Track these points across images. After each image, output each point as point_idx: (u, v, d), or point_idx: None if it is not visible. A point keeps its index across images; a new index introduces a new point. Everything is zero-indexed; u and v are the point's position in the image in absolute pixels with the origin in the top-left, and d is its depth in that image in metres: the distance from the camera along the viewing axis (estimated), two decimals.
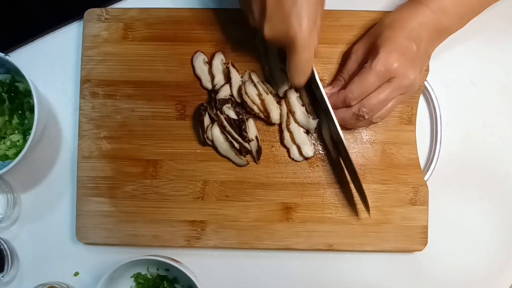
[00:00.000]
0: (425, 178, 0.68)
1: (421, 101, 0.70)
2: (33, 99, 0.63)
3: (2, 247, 0.68)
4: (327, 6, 0.70)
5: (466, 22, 0.64)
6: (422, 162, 0.70)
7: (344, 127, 0.65)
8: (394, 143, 0.68)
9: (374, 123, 0.64)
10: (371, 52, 0.61)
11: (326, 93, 0.63)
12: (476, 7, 0.63)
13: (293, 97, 0.67)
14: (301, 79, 0.59)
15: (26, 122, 0.69)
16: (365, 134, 0.68)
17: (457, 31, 0.64)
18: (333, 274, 0.70)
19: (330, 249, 0.68)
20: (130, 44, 0.69)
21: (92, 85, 0.69)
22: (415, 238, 0.67)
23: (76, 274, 0.70)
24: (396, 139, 0.68)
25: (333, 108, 0.63)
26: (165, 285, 0.68)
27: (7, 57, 0.64)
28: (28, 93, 0.68)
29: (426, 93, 0.70)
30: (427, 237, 0.67)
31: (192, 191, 0.68)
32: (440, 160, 0.69)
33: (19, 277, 0.70)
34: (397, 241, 0.67)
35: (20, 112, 0.69)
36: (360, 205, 0.67)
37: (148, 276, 0.69)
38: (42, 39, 0.72)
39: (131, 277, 0.69)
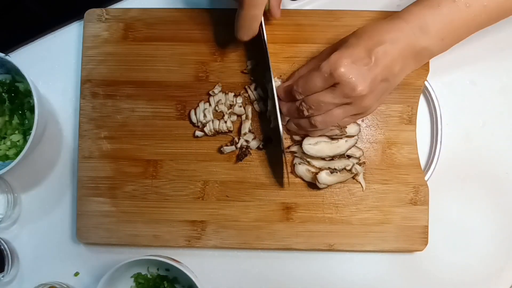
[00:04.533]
0: (426, 178, 0.68)
1: (421, 101, 0.70)
2: (33, 99, 0.63)
3: (2, 247, 0.68)
4: (327, 6, 0.70)
5: (449, 45, 0.60)
6: (423, 162, 0.70)
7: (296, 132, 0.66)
8: (394, 143, 0.68)
9: (316, 127, 0.61)
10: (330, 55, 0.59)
11: (281, 85, 0.63)
12: (461, 31, 0.59)
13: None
14: (243, 35, 0.60)
15: (27, 122, 0.69)
16: (365, 134, 0.68)
17: (440, 53, 0.60)
18: (334, 274, 0.70)
19: (330, 249, 0.68)
20: (130, 44, 0.69)
21: (93, 85, 0.69)
22: (416, 238, 0.67)
23: (76, 274, 0.70)
24: (397, 139, 0.68)
25: (281, 99, 0.63)
26: (165, 285, 0.68)
27: (7, 57, 0.64)
28: (28, 93, 0.68)
29: (426, 93, 0.70)
30: (427, 237, 0.67)
31: (192, 191, 0.68)
32: (441, 160, 0.69)
33: (20, 277, 0.70)
34: (398, 241, 0.67)
35: (20, 112, 0.69)
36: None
37: (148, 276, 0.69)
38: (43, 39, 0.72)
39: (131, 277, 0.69)
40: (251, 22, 0.59)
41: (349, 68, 0.56)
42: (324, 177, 0.65)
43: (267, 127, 0.68)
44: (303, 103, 0.59)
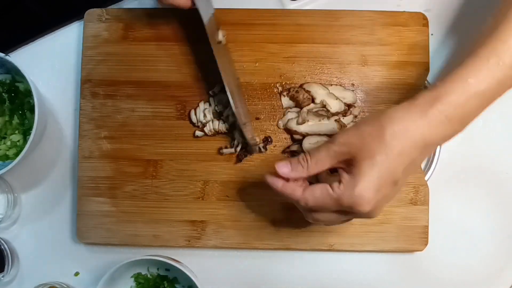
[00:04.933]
0: (426, 178, 0.68)
1: None
2: (33, 99, 0.63)
3: (2, 247, 0.68)
4: (327, 6, 0.70)
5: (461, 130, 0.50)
6: (423, 162, 0.70)
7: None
8: None
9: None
10: (349, 164, 0.50)
11: (279, 166, 0.53)
12: (482, 108, 0.49)
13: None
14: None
15: (27, 122, 0.69)
16: None
17: None
18: (334, 274, 0.69)
19: (330, 249, 0.68)
20: (130, 44, 0.69)
21: (93, 85, 0.69)
22: (416, 238, 0.67)
23: (77, 274, 0.70)
24: None
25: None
26: (166, 285, 0.68)
27: (7, 57, 0.64)
28: (28, 93, 0.68)
29: None
30: (427, 237, 0.67)
31: (193, 191, 0.68)
32: (441, 160, 0.69)
33: (20, 277, 0.70)
34: (398, 241, 0.67)
35: (20, 112, 0.69)
36: None
37: (149, 276, 0.69)
38: (43, 39, 0.72)
39: (131, 277, 0.69)
40: None
41: (372, 204, 0.49)
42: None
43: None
44: (311, 218, 0.54)
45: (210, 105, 0.68)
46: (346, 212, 0.51)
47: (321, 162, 0.51)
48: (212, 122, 0.67)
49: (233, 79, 0.66)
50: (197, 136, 0.68)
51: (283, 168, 0.52)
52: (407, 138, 0.48)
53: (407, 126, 0.48)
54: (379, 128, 0.48)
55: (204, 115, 0.67)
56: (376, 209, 0.50)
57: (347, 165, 0.50)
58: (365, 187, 0.48)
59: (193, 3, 0.59)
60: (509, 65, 0.48)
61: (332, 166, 0.51)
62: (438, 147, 0.68)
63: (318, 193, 0.51)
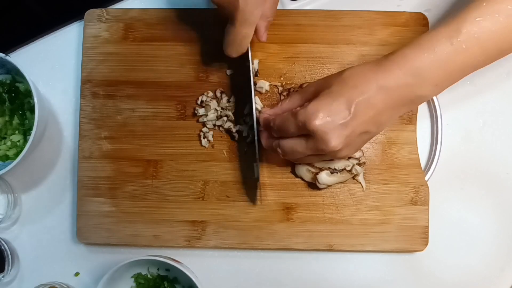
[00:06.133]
0: (426, 178, 0.68)
1: None
2: (33, 100, 0.63)
3: (2, 247, 0.68)
4: (327, 6, 0.70)
5: (442, 90, 0.55)
6: (423, 162, 0.70)
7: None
8: (394, 143, 0.68)
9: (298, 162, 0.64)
10: (311, 99, 0.56)
11: (263, 112, 0.63)
12: (457, 74, 0.54)
13: None
14: (232, 52, 0.60)
15: (27, 122, 0.69)
16: None
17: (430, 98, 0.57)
18: (334, 274, 0.69)
19: (330, 249, 0.68)
20: (130, 45, 0.69)
21: (93, 86, 0.69)
22: (416, 238, 0.67)
23: (77, 274, 0.70)
24: (397, 139, 0.68)
25: (261, 127, 0.63)
26: (166, 285, 0.68)
27: (7, 58, 0.64)
28: (28, 93, 0.68)
29: None
30: (427, 237, 0.67)
31: (193, 191, 0.68)
32: (441, 160, 0.69)
33: (20, 277, 0.70)
34: (398, 241, 0.67)
35: (20, 112, 0.69)
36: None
37: (149, 276, 0.69)
38: (43, 40, 0.72)
39: (132, 277, 0.69)
40: (242, 40, 0.58)
41: (323, 122, 0.53)
42: (324, 177, 0.65)
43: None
44: (278, 147, 0.59)
45: (216, 97, 0.68)
46: (307, 136, 0.55)
47: (293, 99, 0.60)
48: (220, 116, 0.68)
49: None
50: (204, 137, 0.68)
51: (266, 110, 0.63)
52: (361, 75, 0.54)
53: (363, 68, 0.55)
54: (340, 72, 0.56)
55: (207, 105, 0.67)
56: (333, 137, 0.53)
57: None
58: (317, 104, 0.54)
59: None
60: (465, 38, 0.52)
61: (301, 103, 0.59)
62: (438, 147, 0.69)
63: (284, 116, 0.57)
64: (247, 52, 0.62)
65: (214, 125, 0.68)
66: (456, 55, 0.52)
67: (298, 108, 0.56)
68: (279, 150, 0.59)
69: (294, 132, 0.56)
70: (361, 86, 0.53)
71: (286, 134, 0.57)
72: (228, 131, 0.68)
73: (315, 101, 0.54)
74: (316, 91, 0.57)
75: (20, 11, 0.82)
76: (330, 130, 0.53)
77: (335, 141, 0.53)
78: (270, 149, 0.61)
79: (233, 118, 0.68)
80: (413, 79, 0.52)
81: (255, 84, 0.68)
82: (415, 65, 0.52)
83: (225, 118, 0.68)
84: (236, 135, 0.68)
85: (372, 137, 0.58)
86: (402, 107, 0.55)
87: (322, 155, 0.56)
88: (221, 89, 0.69)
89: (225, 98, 0.68)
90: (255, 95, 0.66)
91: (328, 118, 0.53)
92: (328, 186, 0.66)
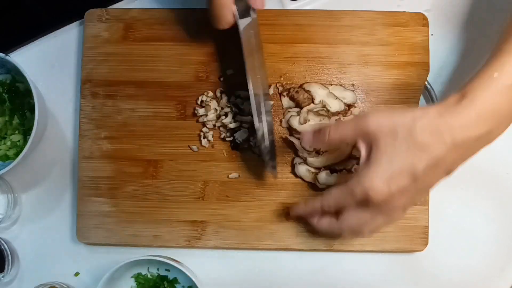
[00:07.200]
0: None
1: (422, 101, 0.70)
2: (33, 99, 0.63)
3: (2, 247, 0.68)
4: (327, 6, 0.70)
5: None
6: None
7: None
8: None
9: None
10: (368, 147, 0.50)
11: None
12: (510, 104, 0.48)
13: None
14: (215, 23, 0.58)
15: (27, 122, 0.69)
16: None
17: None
18: (334, 275, 0.70)
19: (330, 249, 0.68)
20: (130, 45, 0.69)
21: (93, 85, 0.69)
22: (416, 238, 0.67)
23: (77, 274, 0.70)
24: None
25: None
26: (166, 285, 0.68)
27: (7, 57, 0.64)
28: (28, 93, 0.68)
29: (426, 93, 0.70)
30: (427, 237, 0.67)
31: (193, 191, 0.68)
32: None
33: (20, 277, 0.70)
34: (398, 241, 0.67)
35: (20, 112, 0.69)
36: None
37: (149, 276, 0.69)
38: (43, 39, 0.72)
39: (132, 277, 0.69)
40: (221, 9, 0.56)
41: (385, 193, 0.48)
42: (324, 177, 0.65)
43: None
44: (343, 232, 0.55)
45: (216, 97, 0.68)
46: (367, 206, 0.50)
47: (343, 130, 0.52)
48: (219, 116, 0.67)
49: (263, 90, 0.63)
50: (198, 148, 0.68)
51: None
52: (433, 133, 0.47)
53: (437, 122, 0.47)
54: (411, 120, 0.48)
55: (206, 105, 0.67)
56: (392, 202, 0.49)
57: (366, 147, 0.50)
58: (375, 171, 0.48)
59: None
60: None
61: (352, 139, 0.52)
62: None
63: (334, 190, 0.53)
64: (237, 29, 0.60)
65: (214, 125, 0.68)
66: None
67: (349, 178, 0.51)
68: (344, 232, 0.55)
69: (353, 203, 0.52)
70: (433, 147, 0.47)
71: (344, 207, 0.53)
72: (229, 130, 0.68)
73: (371, 167, 0.48)
74: (376, 135, 0.49)
75: (20, 11, 0.82)
76: (379, 188, 0.48)
77: (381, 195, 0.49)
78: (330, 232, 0.58)
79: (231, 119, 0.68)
80: (495, 123, 0.47)
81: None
82: (488, 110, 0.46)
83: (223, 117, 0.68)
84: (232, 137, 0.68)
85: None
86: (473, 154, 0.50)
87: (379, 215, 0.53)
88: (221, 88, 0.69)
89: (225, 98, 0.68)
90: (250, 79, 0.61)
91: (389, 188, 0.48)
92: (328, 186, 0.66)
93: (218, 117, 0.68)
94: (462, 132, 0.47)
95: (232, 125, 0.67)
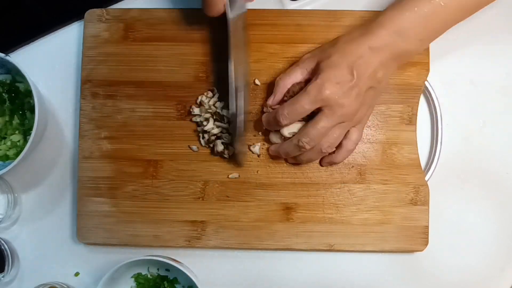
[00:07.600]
0: (426, 178, 0.68)
1: (422, 101, 0.70)
2: (33, 100, 0.63)
3: (2, 247, 0.68)
4: (327, 6, 0.70)
5: (427, 44, 0.63)
6: (423, 162, 0.70)
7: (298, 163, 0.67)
8: (394, 143, 0.68)
9: (325, 153, 0.63)
10: (314, 73, 0.62)
11: (268, 104, 0.64)
12: (438, 29, 0.61)
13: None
14: (206, 10, 0.59)
15: (27, 122, 0.69)
16: (365, 134, 0.68)
17: (419, 52, 0.63)
18: (334, 274, 0.70)
19: (330, 249, 0.68)
20: (130, 45, 0.69)
21: (93, 86, 0.69)
22: (416, 238, 0.67)
23: (77, 274, 0.70)
24: (397, 139, 0.68)
25: (266, 125, 0.65)
26: (166, 285, 0.68)
27: (7, 58, 0.64)
28: (28, 93, 0.68)
29: (427, 93, 0.70)
30: (427, 237, 0.67)
31: (193, 191, 0.68)
32: (441, 160, 0.69)
33: (20, 277, 0.70)
34: (398, 241, 0.67)
35: (20, 112, 0.69)
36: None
37: (149, 276, 0.69)
38: (43, 40, 0.72)
39: (132, 277, 0.69)
40: None
41: (335, 89, 0.58)
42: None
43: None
44: (302, 139, 0.60)
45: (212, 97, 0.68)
46: (323, 113, 0.59)
47: (294, 74, 0.63)
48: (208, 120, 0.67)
49: (243, 82, 0.66)
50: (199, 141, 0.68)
51: (269, 101, 0.65)
52: (354, 42, 0.60)
53: (354, 35, 0.61)
54: (334, 41, 0.63)
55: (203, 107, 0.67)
56: (346, 99, 0.58)
57: (314, 74, 0.61)
58: (324, 76, 0.59)
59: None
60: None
61: (304, 78, 0.63)
62: (438, 147, 0.68)
63: (293, 98, 0.61)
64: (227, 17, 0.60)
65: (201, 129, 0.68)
66: (436, 12, 0.58)
67: (304, 87, 0.60)
68: (304, 142, 0.60)
69: (308, 108, 0.59)
70: (356, 51, 0.59)
71: (300, 115, 0.60)
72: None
73: (321, 74, 0.59)
74: (315, 63, 0.62)
75: (20, 11, 0.82)
76: (342, 94, 0.58)
77: (348, 102, 0.58)
78: (292, 152, 0.63)
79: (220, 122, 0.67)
80: (398, 38, 0.59)
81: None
82: (398, 25, 0.59)
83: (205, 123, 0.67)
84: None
85: (379, 94, 0.63)
86: (393, 62, 0.61)
87: (344, 122, 0.60)
88: (211, 88, 0.68)
89: (215, 97, 0.68)
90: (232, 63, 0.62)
91: (338, 85, 0.58)
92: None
93: (207, 119, 0.67)
94: (375, 39, 0.59)
95: (215, 131, 0.67)
